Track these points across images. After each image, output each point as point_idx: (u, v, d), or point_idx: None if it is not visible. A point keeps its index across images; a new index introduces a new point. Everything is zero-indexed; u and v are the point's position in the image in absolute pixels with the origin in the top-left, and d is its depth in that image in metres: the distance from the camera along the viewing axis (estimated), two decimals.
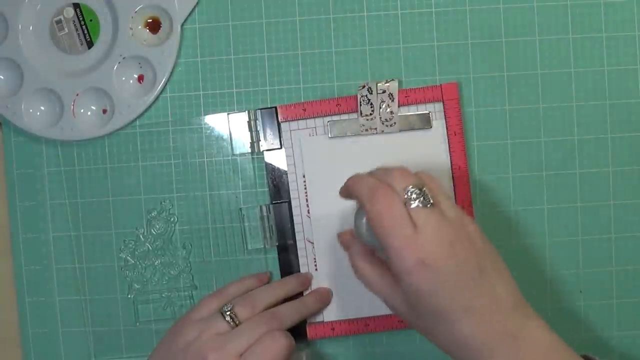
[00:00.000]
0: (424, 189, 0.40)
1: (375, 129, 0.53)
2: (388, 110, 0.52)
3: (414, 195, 0.40)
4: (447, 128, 0.53)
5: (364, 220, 0.44)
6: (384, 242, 0.40)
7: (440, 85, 0.53)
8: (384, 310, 0.53)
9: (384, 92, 0.52)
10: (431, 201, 0.40)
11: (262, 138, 0.54)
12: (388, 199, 0.40)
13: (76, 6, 0.54)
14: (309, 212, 0.54)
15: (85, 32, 0.54)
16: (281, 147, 0.54)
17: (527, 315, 0.40)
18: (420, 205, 0.40)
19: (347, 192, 0.44)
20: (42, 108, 0.54)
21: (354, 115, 0.53)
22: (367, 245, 0.45)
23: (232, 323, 0.46)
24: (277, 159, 0.54)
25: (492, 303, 0.39)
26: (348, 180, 0.44)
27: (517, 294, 0.41)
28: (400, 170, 0.42)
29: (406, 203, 0.40)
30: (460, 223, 0.41)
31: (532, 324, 0.40)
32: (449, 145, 0.53)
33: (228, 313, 0.47)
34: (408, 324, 0.43)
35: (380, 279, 0.44)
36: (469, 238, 0.40)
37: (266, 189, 0.54)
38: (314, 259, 0.54)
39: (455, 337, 0.39)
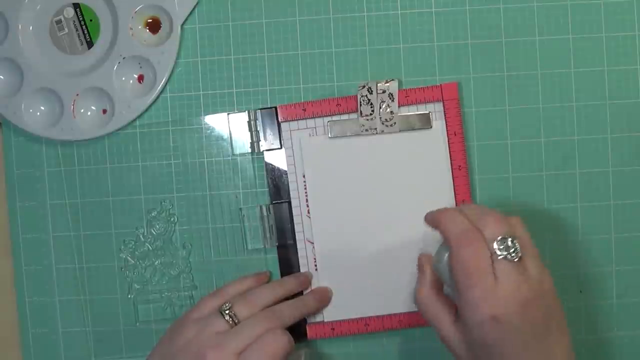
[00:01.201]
0: (515, 241, 0.41)
1: (375, 129, 0.53)
2: (388, 110, 0.52)
3: (502, 247, 0.40)
4: (447, 128, 0.53)
5: (446, 257, 0.43)
6: (462, 289, 0.40)
7: (440, 85, 0.53)
8: (384, 310, 0.53)
9: (384, 92, 0.52)
10: (519, 255, 0.40)
11: (262, 138, 0.54)
12: (476, 248, 0.40)
13: (76, 6, 0.54)
14: (309, 212, 0.54)
15: (85, 32, 0.54)
16: (281, 147, 0.54)
17: None
18: (507, 258, 0.40)
19: (433, 222, 0.44)
20: (42, 108, 0.54)
21: (354, 115, 0.53)
22: (439, 277, 0.46)
23: (231, 322, 0.46)
24: (277, 159, 0.54)
25: None
26: (439, 213, 0.44)
27: (572, 355, 0.42)
28: (495, 217, 0.42)
29: (493, 254, 0.40)
30: (539, 280, 0.41)
31: None
32: (449, 145, 0.53)
33: (227, 312, 0.47)
34: (457, 357, 0.44)
35: (443, 314, 0.44)
36: (543, 297, 0.41)
37: (266, 189, 0.54)
38: (314, 259, 0.54)
39: None
